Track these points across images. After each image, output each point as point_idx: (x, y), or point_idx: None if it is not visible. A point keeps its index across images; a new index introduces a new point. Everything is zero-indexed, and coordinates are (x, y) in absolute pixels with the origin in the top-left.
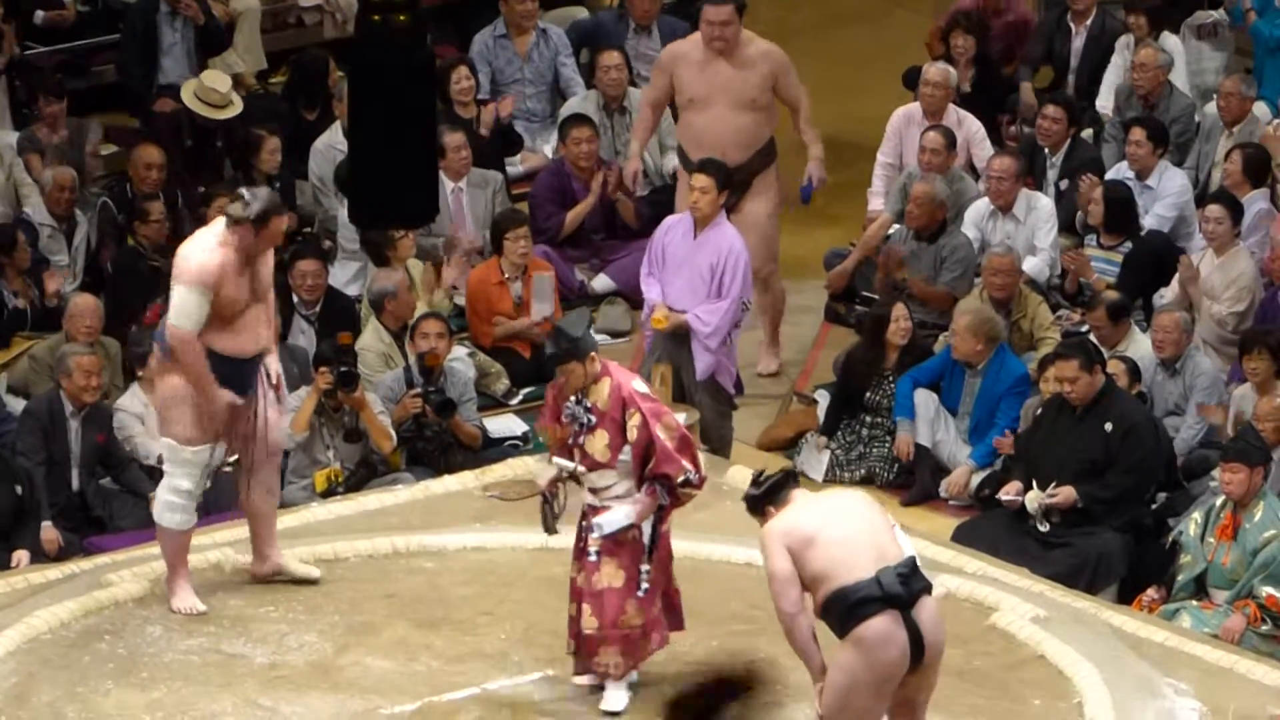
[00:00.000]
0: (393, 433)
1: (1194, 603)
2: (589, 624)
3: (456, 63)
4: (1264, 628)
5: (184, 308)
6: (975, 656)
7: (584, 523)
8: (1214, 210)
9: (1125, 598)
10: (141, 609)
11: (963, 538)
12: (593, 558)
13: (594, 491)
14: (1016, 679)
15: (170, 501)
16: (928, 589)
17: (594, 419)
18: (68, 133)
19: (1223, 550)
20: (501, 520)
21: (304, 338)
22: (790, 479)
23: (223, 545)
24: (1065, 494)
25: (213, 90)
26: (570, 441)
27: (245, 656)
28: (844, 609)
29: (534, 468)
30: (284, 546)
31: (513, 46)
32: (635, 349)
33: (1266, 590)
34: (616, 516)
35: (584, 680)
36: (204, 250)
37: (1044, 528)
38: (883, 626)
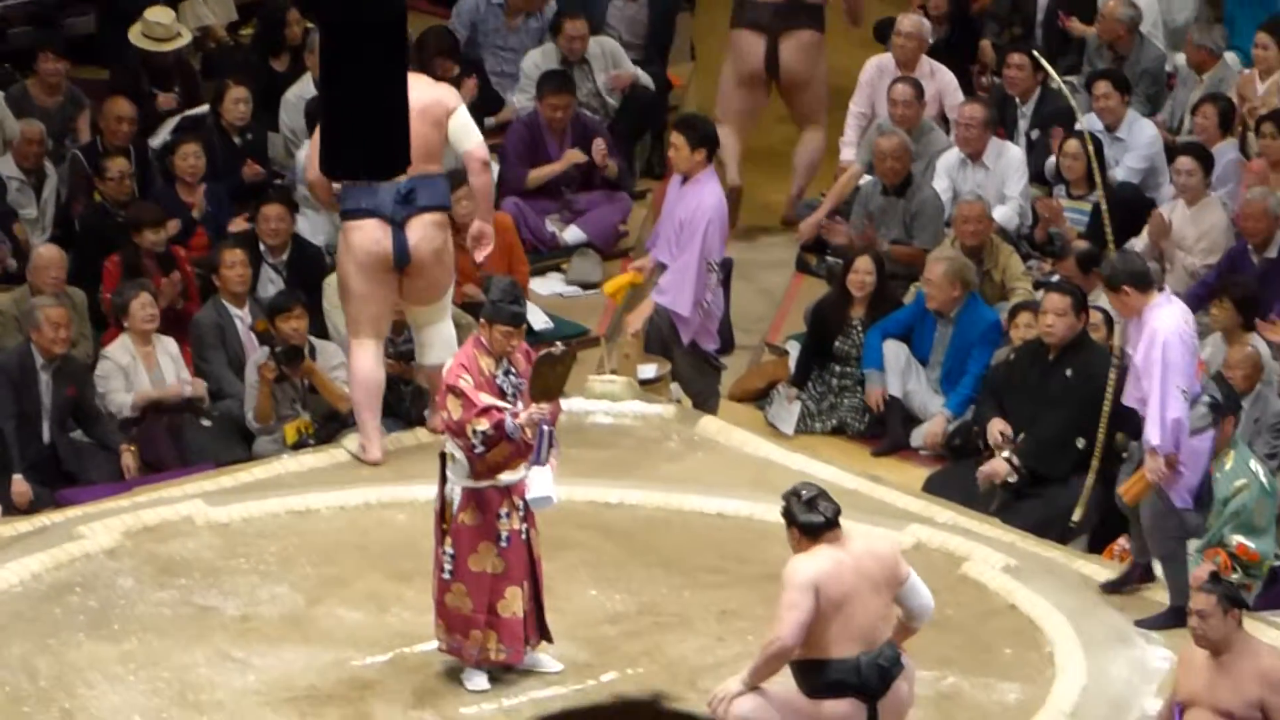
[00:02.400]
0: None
1: None
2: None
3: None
4: (1234, 576)
5: (471, 121)
6: (947, 606)
7: (519, 499)
8: (1185, 163)
9: (1096, 547)
10: (113, 561)
11: (934, 488)
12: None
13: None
14: (988, 629)
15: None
16: (902, 672)
17: (524, 382)
18: (64, 99)
19: None
20: None
21: (273, 287)
22: (835, 522)
23: (194, 498)
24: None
25: (157, 25)
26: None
27: (217, 609)
28: (818, 681)
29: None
30: (255, 499)
31: (504, 17)
32: (608, 301)
33: (1237, 539)
34: (550, 480)
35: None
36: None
37: (1012, 479)
38: (846, 713)
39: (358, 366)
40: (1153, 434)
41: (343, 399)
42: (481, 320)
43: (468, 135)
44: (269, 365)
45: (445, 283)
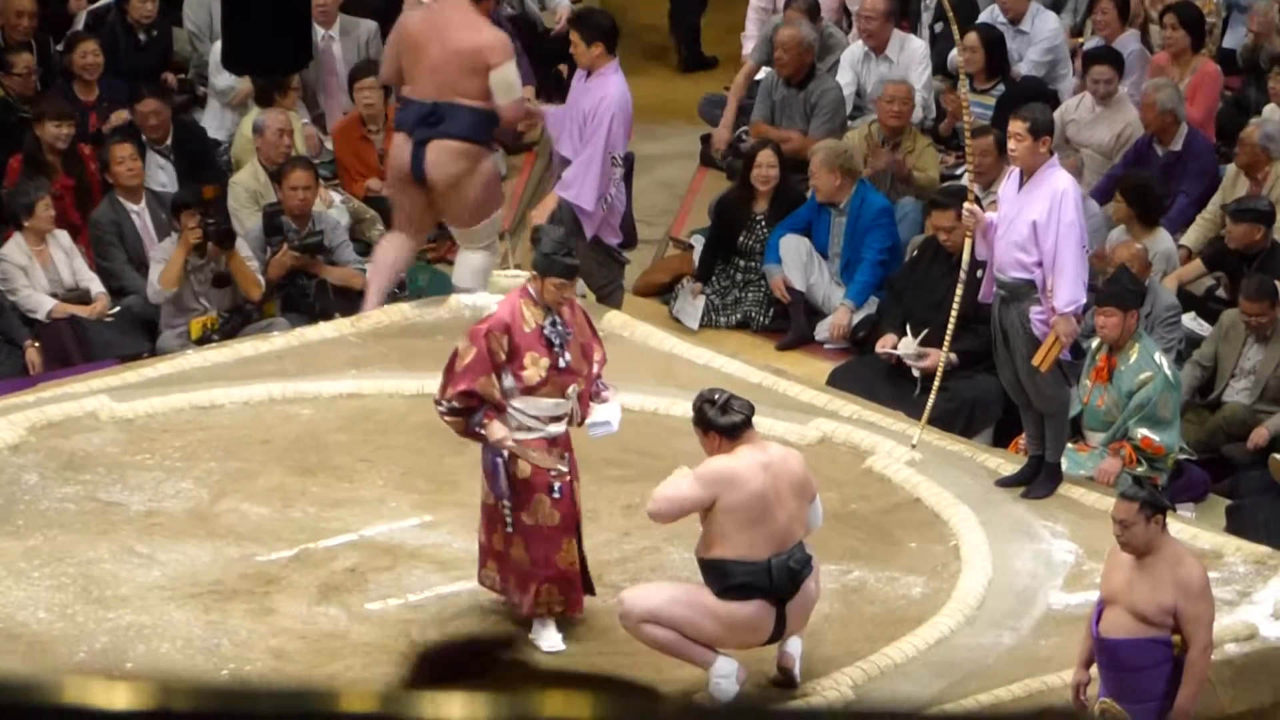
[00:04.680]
0: (261, 280)
1: (1070, 445)
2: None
3: None
4: (1139, 469)
5: (515, 79)
6: (852, 500)
7: (563, 452)
8: (1101, 72)
9: (1001, 440)
10: (17, 457)
11: (838, 381)
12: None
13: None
14: (893, 522)
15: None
16: (811, 572)
17: (571, 332)
18: None
19: (1098, 393)
20: (377, 366)
21: (164, 174)
22: (749, 422)
23: (99, 393)
24: (932, 360)
25: None
26: (550, 367)
27: (122, 504)
28: (727, 581)
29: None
30: (159, 394)
31: None
32: (512, 195)
33: (1141, 432)
34: (616, 411)
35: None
36: (489, 25)
37: (916, 374)
38: (754, 614)
39: (379, 247)
40: (1072, 293)
41: (256, 285)
42: (533, 273)
43: (503, 93)
44: (197, 221)
45: (467, 211)
